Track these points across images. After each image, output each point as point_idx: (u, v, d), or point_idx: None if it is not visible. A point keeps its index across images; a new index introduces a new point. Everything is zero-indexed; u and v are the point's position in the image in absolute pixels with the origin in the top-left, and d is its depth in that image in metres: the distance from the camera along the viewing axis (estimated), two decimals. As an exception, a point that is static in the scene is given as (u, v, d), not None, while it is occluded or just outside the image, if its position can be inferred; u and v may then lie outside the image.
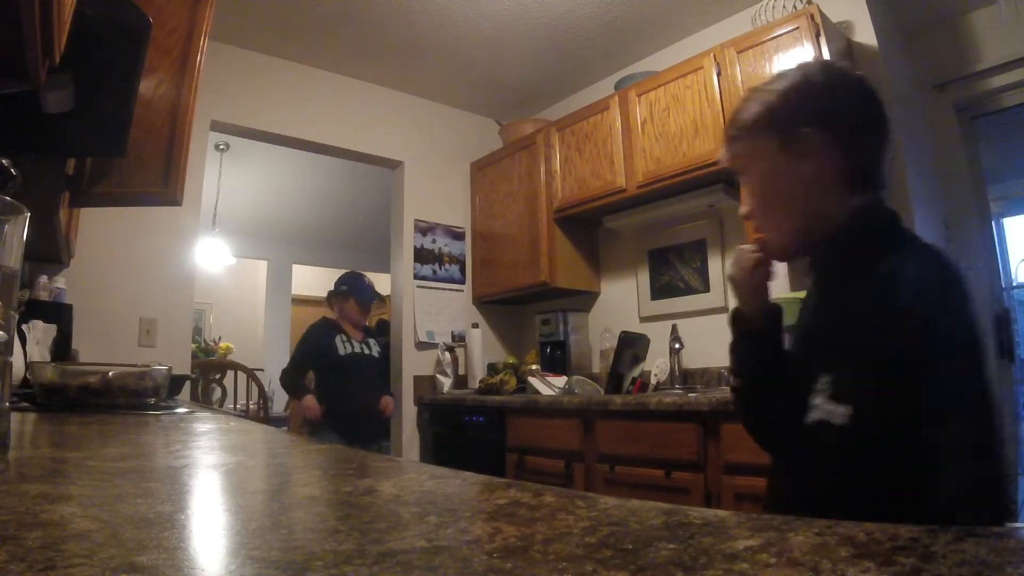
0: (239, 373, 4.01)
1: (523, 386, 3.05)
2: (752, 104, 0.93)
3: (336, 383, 3.02)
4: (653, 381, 2.78)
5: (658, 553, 0.24)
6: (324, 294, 3.44)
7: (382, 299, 3.24)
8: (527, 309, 3.84)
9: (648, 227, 3.13)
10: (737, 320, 0.98)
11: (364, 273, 3.35)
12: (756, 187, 0.93)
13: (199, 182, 2.95)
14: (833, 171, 0.86)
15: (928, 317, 0.74)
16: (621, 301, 3.29)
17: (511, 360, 3.57)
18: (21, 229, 0.53)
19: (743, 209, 0.96)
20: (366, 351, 3.14)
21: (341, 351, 3.04)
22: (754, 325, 0.96)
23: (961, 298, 0.77)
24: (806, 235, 0.90)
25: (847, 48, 2.47)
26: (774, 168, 0.90)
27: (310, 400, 2.99)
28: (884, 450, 0.72)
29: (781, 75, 0.93)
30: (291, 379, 3.13)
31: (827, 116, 0.87)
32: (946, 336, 0.74)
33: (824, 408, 0.77)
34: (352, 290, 3.17)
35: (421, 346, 3.52)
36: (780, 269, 1.02)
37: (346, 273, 3.31)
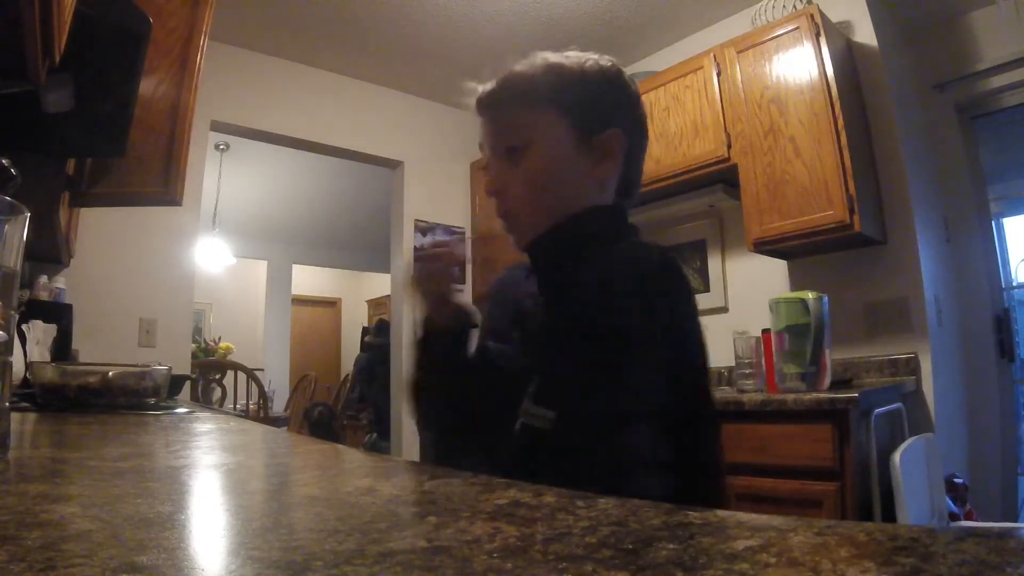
0: (239, 373, 4.01)
1: (523, 386, 3.04)
2: (560, 71, 0.81)
3: None
4: (653, 381, 2.77)
5: (658, 553, 0.24)
6: (324, 294, 3.30)
7: None
8: (527, 309, 3.84)
9: (648, 227, 3.13)
10: (426, 324, 0.88)
11: None
12: (530, 167, 0.81)
13: (199, 182, 2.96)
14: (614, 177, 0.83)
15: (639, 299, 0.70)
16: (621, 301, 3.29)
17: (511, 360, 3.56)
18: (21, 229, 0.53)
19: (493, 184, 0.84)
20: None
21: None
22: (444, 328, 0.87)
23: (678, 290, 0.74)
24: (554, 229, 0.81)
25: (847, 48, 2.47)
26: (563, 156, 0.80)
27: None
28: (585, 455, 0.68)
29: (593, 58, 0.83)
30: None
31: (635, 124, 0.84)
32: (649, 320, 0.69)
33: (529, 412, 0.70)
34: None
35: (421, 346, 3.52)
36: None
37: None
